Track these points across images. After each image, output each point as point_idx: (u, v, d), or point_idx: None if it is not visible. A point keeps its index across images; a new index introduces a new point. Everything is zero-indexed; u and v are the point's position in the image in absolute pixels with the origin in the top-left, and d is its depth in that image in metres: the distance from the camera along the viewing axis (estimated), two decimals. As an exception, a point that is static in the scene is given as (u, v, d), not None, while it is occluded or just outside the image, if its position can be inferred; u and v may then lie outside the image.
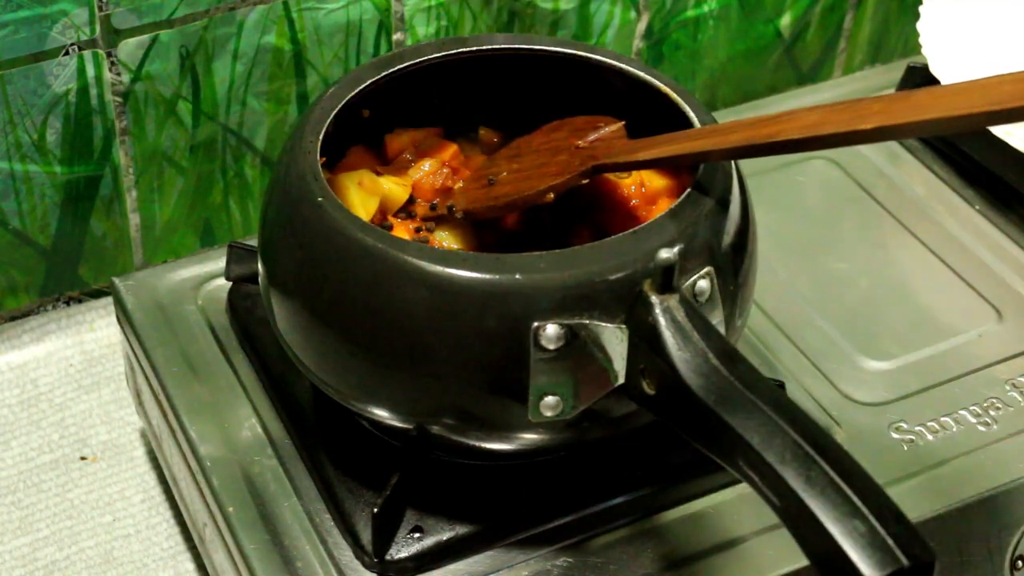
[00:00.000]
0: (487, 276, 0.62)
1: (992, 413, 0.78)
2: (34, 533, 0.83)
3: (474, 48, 0.75)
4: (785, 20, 1.06)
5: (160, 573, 0.82)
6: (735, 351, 0.60)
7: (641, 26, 1.01)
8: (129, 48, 0.85)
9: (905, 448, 0.76)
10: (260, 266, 0.71)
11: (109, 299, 0.92)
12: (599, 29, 0.99)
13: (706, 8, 1.02)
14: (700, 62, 1.05)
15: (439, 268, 0.63)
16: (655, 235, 0.64)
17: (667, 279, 0.60)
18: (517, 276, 0.62)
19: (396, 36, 0.93)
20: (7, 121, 0.85)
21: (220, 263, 0.84)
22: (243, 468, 0.74)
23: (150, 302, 0.83)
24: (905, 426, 0.77)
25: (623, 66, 0.74)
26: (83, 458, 0.87)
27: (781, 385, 0.77)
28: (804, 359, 0.81)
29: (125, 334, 0.83)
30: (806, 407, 0.78)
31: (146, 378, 0.81)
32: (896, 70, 1.01)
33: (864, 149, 0.95)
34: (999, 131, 0.89)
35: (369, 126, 0.76)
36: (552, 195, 0.69)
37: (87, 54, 0.84)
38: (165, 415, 0.79)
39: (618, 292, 0.62)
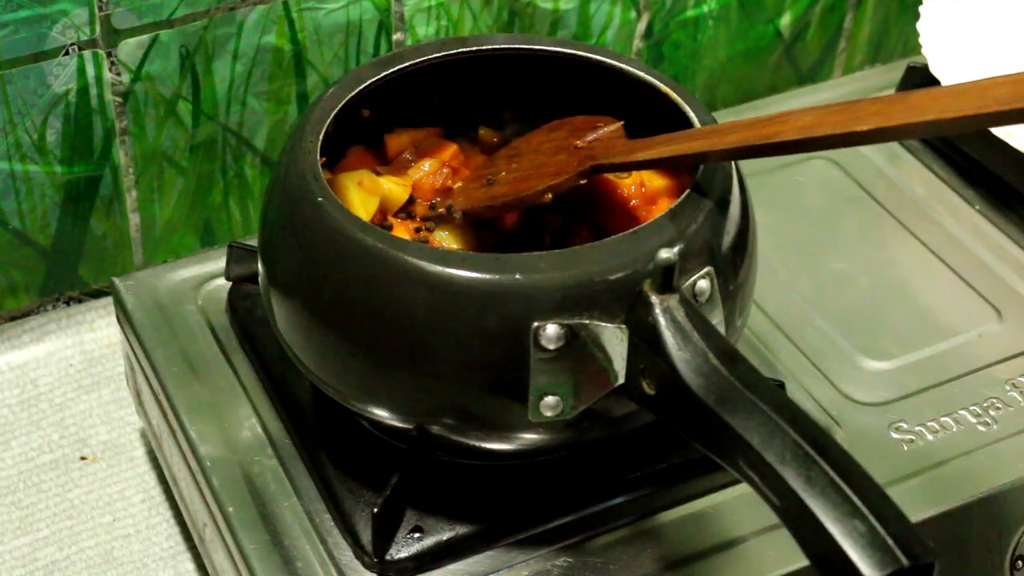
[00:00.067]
0: (487, 276, 0.62)
1: (992, 413, 0.78)
2: (34, 533, 0.83)
3: (474, 48, 0.75)
4: (785, 20, 1.06)
5: (160, 573, 0.82)
6: (735, 351, 0.60)
7: (641, 26, 1.01)
8: (129, 48, 0.85)
9: (905, 448, 0.76)
10: (260, 266, 0.71)
11: (109, 299, 0.92)
12: (599, 29, 0.99)
13: (706, 8, 1.02)
14: (700, 62, 1.05)
15: (439, 268, 0.63)
16: (655, 235, 0.64)
17: (667, 279, 0.60)
18: (517, 276, 0.62)
19: (396, 36, 0.93)
20: (7, 121, 0.85)
21: (220, 263, 0.84)
22: (243, 468, 0.74)
23: (150, 302, 0.83)
24: (905, 426, 0.77)
25: (623, 66, 0.74)
26: (83, 458, 0.87)
27: (781, 385, 0.77)
28: (804, 359, 0.81)
29: (125, 334, 0.83)
30: (806, 407, 0.78)
31: (146, 378, 0.81)
32: (896, 70, 1.01)
33: (864, 149, 0.95)
34: (999, 131, 0.89)
35: (369, 126, 0.76)
36: (550, 195, 0.69)
37: (87, 54, 0.84)
38: (165, 415, 0.79)
39: (618, 292, 0.62)
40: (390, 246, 0.64)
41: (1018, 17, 0.98)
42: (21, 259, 0.90)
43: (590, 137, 0.72)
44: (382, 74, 0.73)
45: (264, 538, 0.71)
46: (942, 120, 0.57)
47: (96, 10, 0.83)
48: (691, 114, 0.71)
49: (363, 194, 0.72)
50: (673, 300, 0.60)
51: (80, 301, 0.94)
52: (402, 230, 0.71)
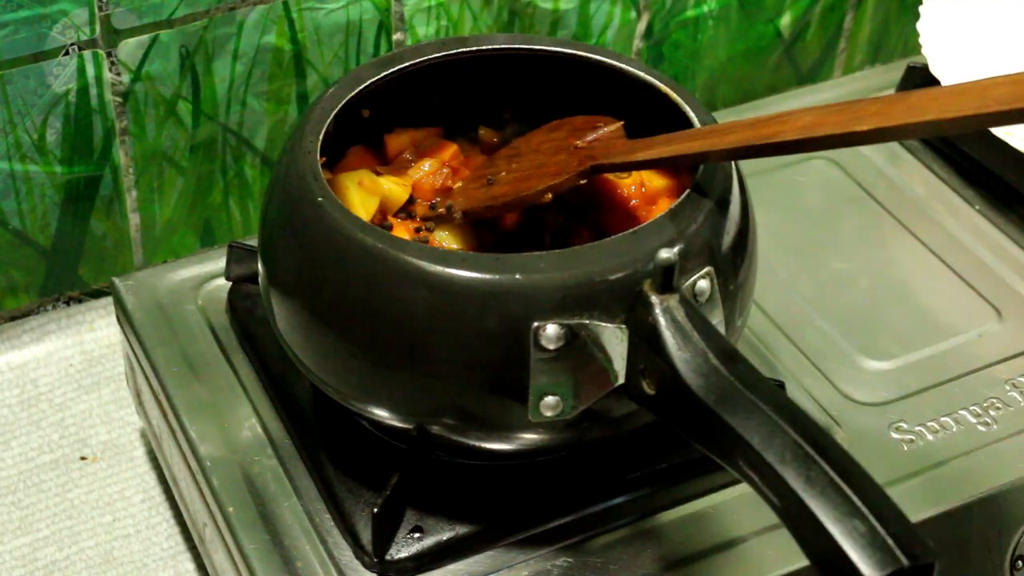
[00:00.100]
0: (487, 276, 0.62)
1: (992, 413, 0.78)
2: (34, 533, 0.83)
3: (474, 48, 0.75)
4: (785, 20, 1.06)
5: (160, 573, 0.82)
6: (735, 351, 0.60)
7: (641, 26, 1.01)
8: (129, 48, 0.85)
9: (905, 448, 0.76)
10: (260, 266, 0.71)
11: (109, 299, 0.92)
12: (599, 29, 0.99)
13: (706, 8, 1.02)
14: (700, 62, 1.05)
15: (439, 268, 0.63)
16: (655, 235, 0.64)
17: (667, 279, 0.60)
18: (517, 276, 0.62)
19: (396, 36, 0.93)
20: (7, 121, 0.85)
21: (220, 263, 0.84)
22: (243, 468, 0.74)
23: (150, 302, 0.83)
24: (905, 426, 0.77)
25: (623, 66, 0.74)
26: (83, 458, 0.87)
27: (781, 385, 0.77)
28: (804, 359, 0.81)
29: (125, 334, 0.83)
30: (806, 407, 0.78)
31: (146, 378, 0.81)
32: (896, 70, 1.01)
33: (864, 149, 0.95)
34: (999, 131, 0.89)
35: (369, 126, 0.76)
36: (550, 195, 0.69)
37: (87, 54, 0.84)
38: (165, 415, 0.79)
39: (618, 292, 0.62)
40: (390, 246, 0.64)
41: (1018, 17, 0.98)
42: (21, 259, 0.90)
43: (590, 137, 0.72)
44: (382, 74, 0.73)
45: (264, 538, 0.71)
46: (942, 120, 0.57)
47: (96, 10, 0.83)
48: (691, 114, 0.71)
49: (363, 194, 0.72)
50: (673, 300, 0.60)
51: (80, 301, 0.94)
52: (402, 230, 0.71)
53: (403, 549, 0.69)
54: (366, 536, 0.69)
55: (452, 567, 0.70)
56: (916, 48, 0.97)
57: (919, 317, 0.84)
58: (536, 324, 0.62)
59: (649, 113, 0.72)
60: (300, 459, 0.74)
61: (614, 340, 0.62)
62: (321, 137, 0.69)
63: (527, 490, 0.72)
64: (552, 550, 0.71)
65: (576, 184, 0.69)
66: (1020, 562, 0.76)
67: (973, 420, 0.78)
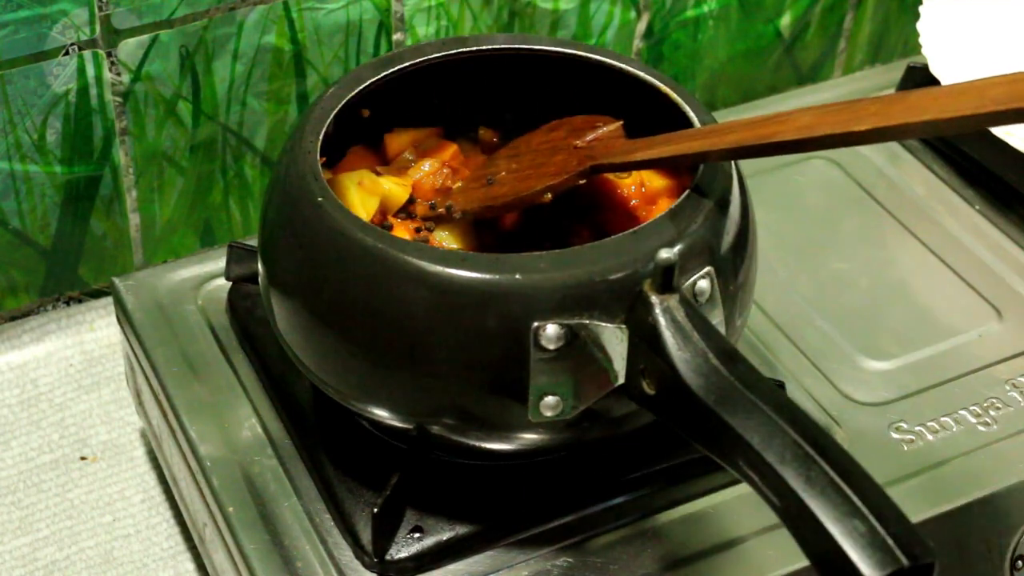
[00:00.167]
0: (487, 276, 0.62)
1: (992, 413, 0.78)
2: (34, 533, 0.83)
3: (474, 48, 0.75)
4: (785, 20, 1.06)
5: (160, 573, 0.82)
6: (735, 351, 0.60)
7: (641, 26, 1.01)
8: (129, 48, 0.85)
9: (905, 448, 0.76)
10: (260, 266, 0.71)
11: (109, 299, 0.92)
12: (599, 29, 0.99)
13: (706, 8, 1.02)
14: (700, 62, 1.05)
15: (439, 268, 0.63)
16: (655, 235, 0.64)
17: (667, 279, 0.60)
18: (517, 276, 0.62)
19: (396, 36, 0.93)
20: (7, 121, 0.85)
21: (220, 263, 0.84)
22: (243, 468, 0.74)
23: (150, 302, 0.83)
24: (905, 426, 0.77)
25: (623, 66, 0.74)
26: (83, 458, 0.87)
27: (781, 385, 0.77)
28: (804, 359, 0.81)
29: (125, 334, 0.83)
30: (806, 407, 0.78)
31: (146, 378, 0.81)
32: (896, 70, 1.01)
33: (864, 149, 0.95)
34: (999, 131, 0.89)
35: (369, 126, 0.76)
36: (550, 195, 0.69)
37: (87, 54, 0.84)
38: (165, 415, 0.79)
39: (618, 292, 0.62)
40: (390, 246, 0.64)
41: (1018, 17, 0.98)
42: (21, 259, 0.90)
43: (590, 137, 0.72)
44: (382, 74, 0.73)
45: (264, 538, 0.71)
46: (941, 120, 0.57)
47: (96, 10, 0.83)
48: (691, 114, 0.71)
49: (363, 194, 0.72)
50: (673, 300, 0.60)
51: (80, 301, 0.94)
52: (402, 230, 0.71)
53: (403, 549, 0.69)
54: (366, 536, 0.69)
55: (452, 567, 0.70)
56: (916, 48, 0.97)
57: (919, 317, 0.84)
58: (536, 324, 0.62)
59: (649, 113, 0.72)
60: (300, 459, 0.74)
61: (614, 340, 0.62)
62: (321, 137, 0.69)
63: (527, 490, 0.72)
64: (552, 550, 0.71)
65: (576, 184, 0.69)
66: (1020, 562, 0.76)
67: (973, 420, 0.78)
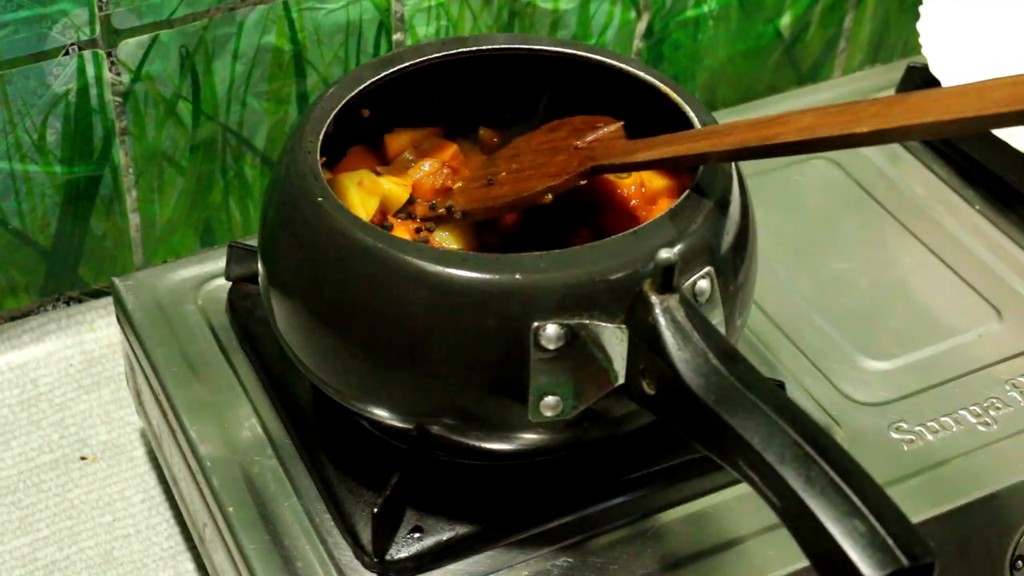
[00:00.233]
0: (487, 276, 0.62)
1: (992, 413, 0.78)
2: (34, 533, 0.83)
3: (474, 48, 0.75)
4: (785, 20, 1.06)
5: (160, 573, 0.82)
6: (735, 351, 0.60)
7: (641, 26, 1.01)
8: (129, 48, 0.85)
9: (905, 448, 0.76)
10: (260, 266, 0.71)
11: (109, 299, 0.92)
12: (599, 29, 0.99)
13: (706, 8, 1.02)
14: (700, 62, 1.05)
15: (439, 268, 0.63)
16: (655, 235, 0.64)
17: (667, 279, 0.60)
18: (517, 276, 0.62)
19: (396, 36, 0.93)
20: (7, 121, 0.85)
21: (220, 263, 0.84)
22: (243, 468, 0.74)
23: (150, 302, 0.83)
24: (905, 426, 0.77)
25: (623, 66, 0.74)
26: (83, 458, 0.87)
27: (781, 385, 0.77)
28: (804, 359, 0.81)
29: (125, 334, 0.83)
30: (806, 407, 0.78)
31: (146, 378, 0.81)
32: (896, 70, 1.01)
33: (864, 149, 0.95)
34: (1000, 131, 0.89)
35: (369, 126, 0.76)
36: (550, 196, 0.69)
37: (87, 54, 0.84)
38: (165, 415, 0.79)
39: (618, 292, 0.62)
40: (390, 246, 0.64)
41: (1018, 17, 0.98)
42: (21, 259, 0.90)
43: (590, 137, 0.72)
44: (382, 74, 0.73)
45: (264, 538, 0.71)
46: (942, 122, 0.57)
47: (96, 10, 0.83)
48: (691, 114, 0.71)
49: (363, 194, 0.72)
50: (673, 300, 0.60)
51: (80, 301, 0.94)
52: (402, 230, 0.71)
53: (403, 549, 0.69)
54: (366, 536, 0.69)
55: (452, 567, 0.70)
56: (916, 48, 0.97)
57: (919, 317, 0.84)
58: (536, 324, 0.62)
59: (649, 113, 0.72)
60: (300, 459, 0.74)
61: (614, 340, 0.62)
62: (321, 137, 0.69)
63: (527, 490, 0.72)
64: (552, 550, 0.71)
65: (576, 184, 0.69)
66: (1020, 562, 0.76)
67: (973, 420, 0.78)
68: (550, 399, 0.63)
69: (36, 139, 0.86)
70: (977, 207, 0.92)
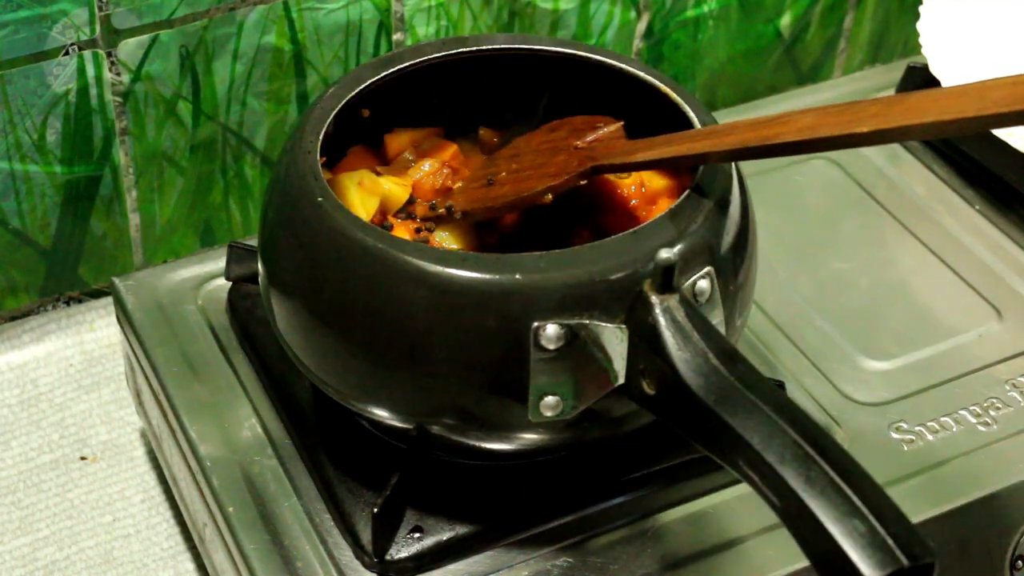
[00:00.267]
0: (487, 276, 0.62)
1: (992, 413, 0.78)
2: (34, 533, 0.83)
3: (474, 48, 0.75)
4: (785, 20, 1.06)
5: (160, 573, 0.82)
6: (735, 351, 0.60)
7: (641, 26, 1.01)
8: (129, 48, 0.85)
9: (905, 448, 0.76)
10: (260, 266, 0.71)
11: (109, 299, 0.92)
12: (599, 29, 0.99)
13: (706, 8, 1.02)
14: (700, 62, 1.05)
15: (439, 268, 0.63)
16: (655, 235, 0.64)
17: (667, 279, 0.60)
18: (517, 276, 0.62)
19: (396, 36, 0.93)
20: (7, 121, 0.85)
21: (220, 263, 0.84)
22: (243, 468, 0.74)
23: (150, 302, 0.83)
24: (905, 426, 0.77)
25: (623, 66, 0.74)
26: (83, 458, 0.87)
27: (781, 385, 0.77)
28: (804, 359, 0.81)
29: (125, 334, 0.83)
30: (806, 407, 0.78)
31: (146, 378, 0.81)
32: (896, 70, 1.01)
33: (864, 149, 0.95)
34: (999, 131, 0.89)
35: (369, 126, 0.76)
36: (550, 196, 0.69)
37: (87, 54, 0.84)
38: (165, 415, 0.79)
39: (618, 292, 0.62)
40: (390, 246, 0.64)
41: (1018, 17, 0.98)
42: (21, 259, 0.90)
43: (590, 137, 0.72)
44: (382, 74, 0.73)
45: (264, 538, 0.71)
46: (942, 122, 0.57)
47: (96, 10, 0.83)
48: (691, 114, 0.71)
49: (363, 194, 0.72)
50: (673, 300, 0.60)
51: (80, 301, 0.94)
52: (402, 230, 0.71)
53: (403, 549, 0.69)
54: (366, 536, 0.69)
55: (452, 567, 0.70)
56: (916, 48, 0.97)
57: (919, 317, 0.84)
58: (536, 324, 0.62)
59: (649, 113, 0.72)
60: (300, 459, 0.74)
61: (614, 340, 0.62)
62: (321, 137, 0.69)
63: (527, 490, 0.72)
64: (552, 550, 0.71)
65: (576, 184, 0.69)
66: (1020, 562, 0.76)
67: (973, 420, 0.78)
68: (550, 399, 0.63)
69: (36, 139, 0.86)
70: (977, 207, 0.92)
